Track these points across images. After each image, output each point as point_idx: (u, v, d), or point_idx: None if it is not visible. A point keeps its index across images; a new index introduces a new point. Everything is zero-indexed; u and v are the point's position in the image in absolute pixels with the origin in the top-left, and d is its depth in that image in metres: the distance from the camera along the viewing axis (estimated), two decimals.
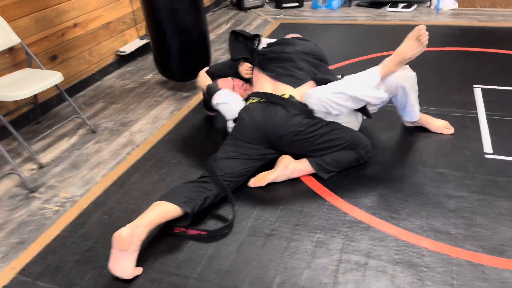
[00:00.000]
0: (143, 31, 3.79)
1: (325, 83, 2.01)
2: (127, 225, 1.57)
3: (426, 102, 2.48)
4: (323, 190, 1.90)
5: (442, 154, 2.07)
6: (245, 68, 2.28)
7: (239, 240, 1.68)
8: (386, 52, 3.26)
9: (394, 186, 1.89)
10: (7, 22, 2.47)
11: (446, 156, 2.05)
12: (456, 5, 4.25)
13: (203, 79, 2.33)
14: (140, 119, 2.72)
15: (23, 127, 2.71)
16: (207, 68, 2.40)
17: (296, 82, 2.03)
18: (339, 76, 2.13)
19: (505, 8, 4.11)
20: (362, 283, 1.46)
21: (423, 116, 2.22)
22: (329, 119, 1.94)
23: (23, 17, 2.65)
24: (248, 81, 2.31)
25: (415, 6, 4.38)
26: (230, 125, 2.14)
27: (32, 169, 2.29)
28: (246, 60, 2.30)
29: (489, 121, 2.29)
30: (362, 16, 4.32)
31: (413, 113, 2.15)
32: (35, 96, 2.64)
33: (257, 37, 2.36)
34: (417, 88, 2.07)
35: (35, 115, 2.77)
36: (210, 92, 2.21)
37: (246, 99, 2.11)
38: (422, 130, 2.25)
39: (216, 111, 2.22)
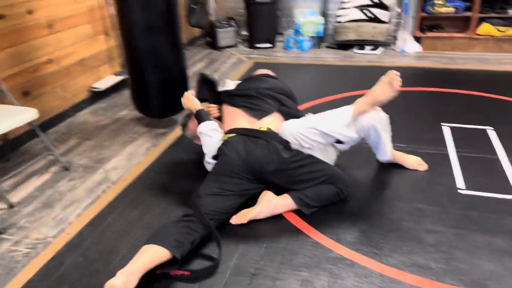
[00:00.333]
0: (117, 68, 3.79)
1: (289, 114, 2.16)
2: (119, 273, 1.51)
3: (399, 139, 2.57)
4: (305, 227, 1.90)
5: (417, 189, 2.13)
6: (210, 108, 2.39)
7: (223, 281, 1.64)
8: (355, 92, 3.39)
9: (375, 222, 1.92)
10: None
11: (422, 191, 2.12)
12: (419, 48, 4.51)
13: (193, 102, 2.26)
14: (114, 156, 2.67)
15: None
16: (192, 91, 2.39)
17: (261, 114, 2.14)
18: (307, 114, 2.24)
19: (464, 51, 4.39)
20: None
21: (397, 153, 2.30)
22: (304, 151, 2.00)
23: None
24: (218, 119, 2.34)
25: (381, 48, 4.61)
26: (207, 159, 2.14)
27: (1, 209, 2.18)
28: (210, 101, 2.40)
29: (459, 157, 2.40)
30: (332, 57, 4.50)
31: (385, 152, 2.22)
32: (5, 132, 2.54)
33: (220, 81, 2.45)
34: (389, 128, 2.14)
35: (5, 153, 2.67)
36: (199, 118, 2.20)
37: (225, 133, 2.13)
38: (396, 166, 2.32)
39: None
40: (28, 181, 2.43)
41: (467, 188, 2.12)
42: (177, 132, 2.91)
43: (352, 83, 3.63)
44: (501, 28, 4.13)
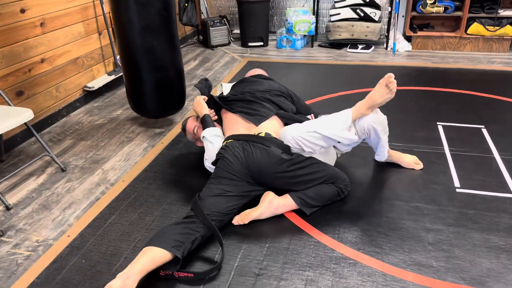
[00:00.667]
0: (111, 67, 3.76)
1: (287, 118, 2.17)
2: (118, 276, 1.50)
3: (394, 138, 2.61)
4: (307, 226, 1.92)
5: (415, 188, 2.17)
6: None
7: (227, 281, 1.65)
8: (348, 91, 3.43)
9: (375, 221, 1.95)
10: None
11: (419, 190, 2.15)
12: (410, 47, 4.56)
13: (202, 107, 2.30)
14: (112, 156, 2.65)
15: None
16: (204, 97, 2.39)
17: (259, 119, 2.14)
18: (309, 117, 2.26)
19: (454, 51, 4.46)
20: None
21: (394, 152, 2.34)
22: (304, 155, 2.01)
23: None
24: (217, 121, 2.35)
25: (373, 47, 4.65)
26: (208, 164, 2.17)
27: None
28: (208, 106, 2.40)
29: (453, 156, 2.44)
30: (324, 56, 4.52)
31: (383, 154, 2.28)
32: None
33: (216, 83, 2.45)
34: (387, 129, 2.17)
35: None
36: (204, 124, 2.23)
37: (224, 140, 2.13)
38: (393, 165, 2.35)
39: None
40: (24, 182, 2.40)
41: (463, 187, 2.16)
42: (174, 132, 2.90)
43: (345, 82, 3.66)
44: (490, 27, 4.21)
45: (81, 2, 3.31)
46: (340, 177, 2.03)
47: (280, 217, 1.98)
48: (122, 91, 3.73)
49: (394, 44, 4.50)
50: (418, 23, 4.65)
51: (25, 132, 2.84)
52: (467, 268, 1.67)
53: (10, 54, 2.71)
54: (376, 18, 4.54)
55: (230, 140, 2.04)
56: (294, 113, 2.29)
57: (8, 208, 2.16)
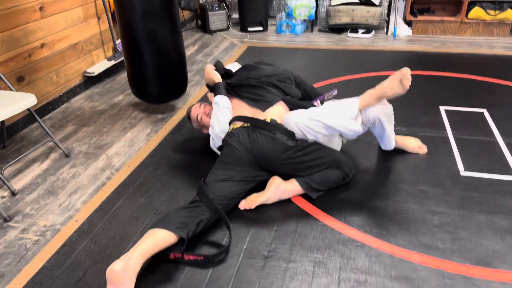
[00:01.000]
0: (110, 52, 3.72)
1: (293, 104, 2.13)
2: (121, 258, 1.51)
3: (397, 123, 2.59)
4: (314, 210, 1.94)
5: (419, 172, 2.18)
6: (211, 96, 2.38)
7: (237, 263, 1.67)
8: (349, 76, 3.42)
9: (380, 204, 1.96)
10: None
11: (423, 174, 2.17)
12: (410, 32, 4.55)
13: (213, 75, 2.28)
14: (115, 142, 2.64)
15: None
16: (211, 65, 2.37)
17: (266, 105, 2.12)
18: (315, 103, 2.23)
19: (455, 35, 4.45)
20: None
21: (398, 138, 2.32)
22: (308, 141, 2.01)
23: None
24: None
25: (374, 32, 4.63)
26: (214, 143, 2.16)
27: (3, 197, 2.15)
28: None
29: (456, 140, 2.45)
30: (324, 41, 4.50)
31: (389, 143, 2.26)
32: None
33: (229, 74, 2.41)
34: (393, 119, 2.15)
35: (1, 140, 2.62)
36: (217, 91, 2.21)
37: (229, 123, 2.12)
38: (397, 150, 2.36)
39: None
40: (28, 168, 2.39)
41: (467, 170, 2.18)
42: (176, 117, 2.89)
43: (345, 67, 3.65)
44: (491, 12, 4.19)
45: None
46: (344, 162, 2.04)
47: (286, 202, 1.99)
48: (122, 76, 3.71)
49: (395, 28, 4.48)
50: (419, 8, 4.63)
51: (27, 117, 2.82)
52: (473, 249, 1.69)
53: (10, 39, 2.68)
54: (377, 2, 4.51)
55: (236, 126, 2.04)
56: (299, 98, 2.28)
57: (13, 193, 2.16)
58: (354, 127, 1.97)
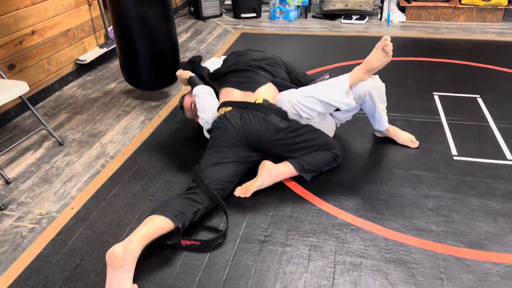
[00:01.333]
0: (102, 39, 3.68)
1: (283, 85, 2.14)
2: (120, 242, 1.52)
3: (391, 108, 2.62)
4: (309, 195, 1.95)
5: (413, 157, 2.20)
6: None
7: (234, 248, 1.68)
8: (343, 63, 3.42)
9: (375, 189, 1.98)
10: None
11: (418, 159, 2.18)
12: (404, 18, 4.54)
13: (183, 73, 2.32)
14: (109, 129, 2.63)
15: None
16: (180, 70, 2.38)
17: (255, 86, 2.12)
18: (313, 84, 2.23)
19: (448, 21, 4.45)
20: (359, 282, 1.51)
21: (391, 128, 2.30)
22: (301, 122, 2.02)
23: None
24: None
25: (367, 18, 4.62)
26: (206, 132, 2.16)
27: None
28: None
29: (450, 125, 2.47)
30: (318, 27, 4.48)
31: (381, 122, 2.22)
32: None
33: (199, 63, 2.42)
34: (385, 98, 2.15)
35: None
36: (192, 84, 2.23)
37: (218, 109, 2.12)
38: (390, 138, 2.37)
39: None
40: (22, 157, 2.38)
41: (461, 155, 2.20)
42: (170, 105, 2.88)
43: (340, 53, 3.64)
44: None
45: None
46: (334, 144, 2.07)
47: (282, 187, 2.00)
48: (114, 64, 3.67)
49: (388, 14, 4.47)
50: None
51: (19, 106, 2.79)
52: (466, 231, 1.72)
53: (0, 26, 2.64)
54: None
55: (228, 109, 2.04)
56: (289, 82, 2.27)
57: (7, 182, 2.15)
58: (348, 101, 1.99)
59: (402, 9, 4.63)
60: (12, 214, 1.94)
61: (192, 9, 5.06)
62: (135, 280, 1.53)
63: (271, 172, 1.96)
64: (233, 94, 2.13)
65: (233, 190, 1.96)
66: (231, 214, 1.85)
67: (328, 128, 2.20)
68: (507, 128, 2.41)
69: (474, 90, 2.87)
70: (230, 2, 5.03)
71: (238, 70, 2.22)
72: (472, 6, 4.29)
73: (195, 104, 2.31)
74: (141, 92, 3.10)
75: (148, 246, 1.66)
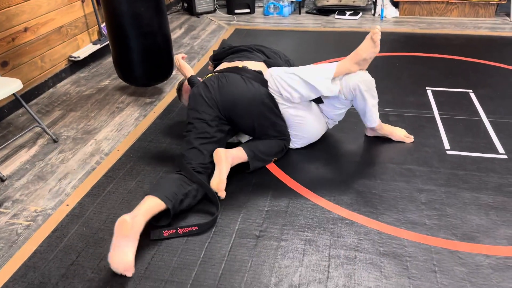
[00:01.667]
0: (95, 36, 3.66)
1: (273, 65, 2.17)
2: (127, 214, 1.57)
3: (384, 104, 2.65)
4: (304, 190, 1.96)
5: (407, 151, 2.22)
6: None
7: (229, 243, 1.69)
8: (338, 58, 3.42)
9: (369, 183, 2.00)
10: None
11: (411, 153, 2.20)
12: (397, 13, 4.55)
13: (185, 69, 2.31)
14: (104, 126, 2.63)
15: None
16: (182, 54, 2.39)
17: (245, 58, 2.18)
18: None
19: (441, 16, 4.47)
20: (354, 276, 1.53)
21: (385, 126, 2.28)
22: (282, 105, 2.04)
23: None
24: None
25: (361, 14, 4.63)
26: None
27: None
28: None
29: (443, 120, 2.49)
30: (312, 23, 4.48)
31: (372, 118, 2.15)
32: None
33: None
34: (375, 94, 2.10)
35: None
36: (191, 84, 2.23)
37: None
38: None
39: None
40: (16, 154, 2.37)
41: (453, 149, 2.22)
42: (165, 101, 2.88)
43: (334, 49, 3.65)
44: None
45: None
46: (288, 134, 2.14)
47: (277, 182, 2.01)
48: (107, 61, 3.66)
49: (382, 10, 4.48)
50: None
51: (12, 103, 2.78)
52: (459, 225, 1.74)
53: None
54: None
55: (208, 75, 2.08)
56: None
57: (2, 179, 2.14)
58: (330, 86, 1.97)
59: (396, 4, 4.64)
60: (7, 211, 1.94)
61: (185, 5, 5.04)
62: (133, 276, 1.54)
63: (228, 160, 1.97)
64: (223, 65, 2.20)
65: (229, 187, 1.97)
66: (227, 209, 1.86)
67: (315, 121, 2.18)
68: (499, 122, 2.44)
69: (466, 85, 2.89)
70: None
71: (238, 51, 2.29)
72: (464, 1, 4.31)
73: None
74: (135, 88, 3.09)
75: (145, 242, 1.67)
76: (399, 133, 2.29)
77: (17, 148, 2.42)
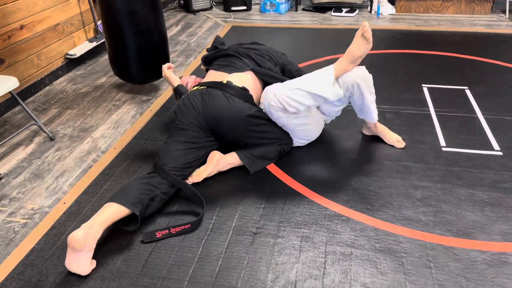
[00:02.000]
0: (91, 33, 3.66)
1: (264, 74, 2.16)
2: (82, 226, 1.56)
3: (381, 101, 2.66)
4: (300, 187, 1.97)
5: (403, 148, 2.23)
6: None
7: (226, 241, 1.70)
8: (335, 55, 3.44)
9: (365, 180, 2.01)
10: None
11: (407, 150, 2.22)
12: (394, 11, 4.56)
13: (170, 79, 2.34)
14: (100, 124, 2.63)
15: None
16: (169, 64, 2.38)
17: (232, 70, 2.16)
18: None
19: (437, 13, 4.48)
20: (350, 272, 1.55)
21: (380, 126, 2.28)
22: (286, 118, 2.01)
23: None
24: None
25: (358, 11, 4.63)
26: None
27: None
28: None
29: (438, 117, 2.51)
30: (309, 20, 4.49)
31: (371, 114, 2.15)
32: None
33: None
34: (373, 90, 2.10)
35: None
36: (179, 93, 2.27)
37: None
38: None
39: None
40: (12, 152, 2.37)
41: (449, 146, 2.23)
42: (161, 99, 2.88)
43: (330, 46, 3.66)
44: None
45: None
46: (286, 140, 2.13)
47: (274, 180, 2.02)
48: (104, 58, 3.65)
49: (378, 7, 4.48)
50: None
51: (9, 101, 2.78)
52: (454, 221, 1.76)
53: None
54: None
55: (193, 89, 2.08)
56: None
57: None
58: (335, 90, 1.97)
59: (392, 1, 4.65)
60: (4, 209, 1.94)
61: (182, 2, 5.03)
62: (130, 272, 1.55)
63: (220, 162, 2.02)
64: (210, 75, 2.19)
65: (224, 185, 1.98)
66: (223, 207, 1.87)
67: (316, 124, 2.20)
68: (494, 119, 2.45)
69: (462, 82, 2.90)
70: None
71: (225, 55, 2.27)
72: None
73: (192, 85, 2.39)
74: (132, 86, 3.09)
75: (140, 242, 1.68)
76: (392, 137, 2.26)
77: (14, 146, 2.42)
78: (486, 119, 2.46)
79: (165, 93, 2.95)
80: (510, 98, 2.67)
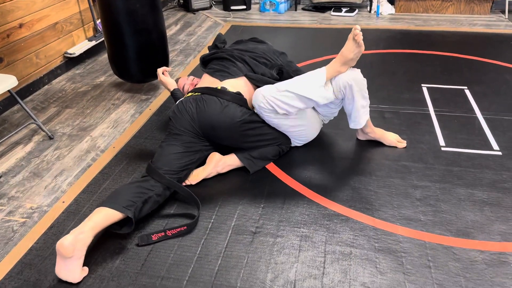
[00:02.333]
0: (91, 32, 3.65)
1: (258, 80, 2.12)
2: (71, 232, 1.54)
3: (380, 101, 2.66)
4: (300, 187, 1.97)
5: (402, 148, 2.23)
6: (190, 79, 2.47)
7: (225, 240, 1.70)
8: (335, 55, 3.42)
9: (364, 180, 2.01)
10: None
11: (406, 150, 2.22)
12: (393, 10, 4.56)
13: (166, 83, 2.33)
14: (99, 123, 2.62)
15: None
16: (164, 68, 2.37)
17: (225, 76, 2.13)
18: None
19: (437, 13, 4.49)
20: (349, 271, 1.54)
21: (378, 130, 2.26)
22: (277, 119, 1.99)
23: None
24: None
25: (357, 10, 4.63)
26: None
27: None
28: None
29: (438, 116, 2.51)
30: (308, 19, 4.48)
31: (357, 120, 2.10)
32: None
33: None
34: (366, 95, 2.05)
35: None
36: (175, 97, 2.27)
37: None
38: (379, 127, 2.39)
39: None
40: (11, 151, 2.36)
41: (448, 145, 2.23)
42: (161, 98, 2.88)
43: (330, 46, 3.66)
44: None
45: None
46: (283, 140, 2.12)
47: (273, 179, 2.02)
48: (103, 57, 3.64)
49: (378, 7, 4.49)
50: None
51: (7, 100, 2.77)
52: (453, 221, 1.76)
53: None
54: None
55: (187, 95, 2.06)
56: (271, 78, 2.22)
57: None
58: (325, 94, 1.93)
59: (391, 1, 4.65)
60: (2, 208, 1.93)
61: (181, 1, 5.03)
62: (129, 271, 1.55)
63: (219, 164, 2.02)
64: (204, 80, 2.19)
65: (221, 183, 1.98)
66: (223, 206, 1.87)
67: (312, 125, 2.18)
68: (493, 119, 2.45)
69: (461, 82, 2.91)
70: None
71: (220, 58, 2.24)
72: None
73: (188, 87, 2.39)
74: (131, 85, 3.09)
75: (137, 243, 1.67)
76: (391, 138, 2.25)
77: (13, 145, 2.41)
78: (485, 119, 2.46)
79: (164, 92, 2.95)
80: (510, 98, 2.67)
